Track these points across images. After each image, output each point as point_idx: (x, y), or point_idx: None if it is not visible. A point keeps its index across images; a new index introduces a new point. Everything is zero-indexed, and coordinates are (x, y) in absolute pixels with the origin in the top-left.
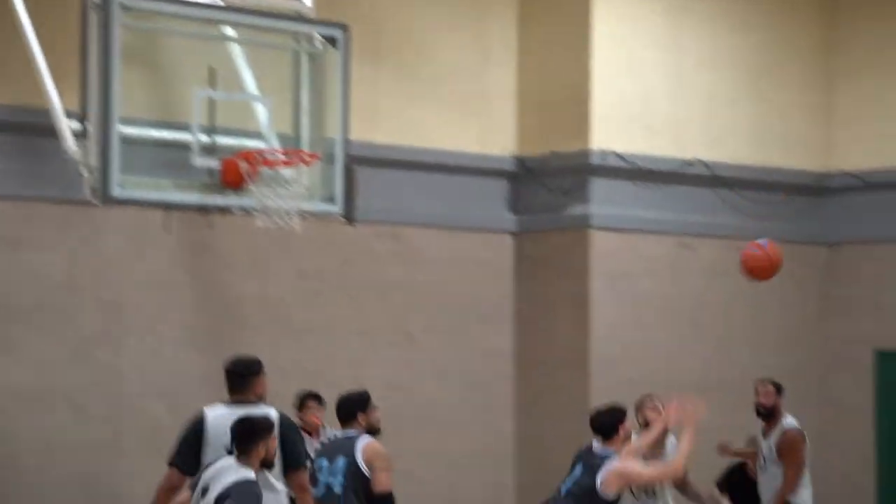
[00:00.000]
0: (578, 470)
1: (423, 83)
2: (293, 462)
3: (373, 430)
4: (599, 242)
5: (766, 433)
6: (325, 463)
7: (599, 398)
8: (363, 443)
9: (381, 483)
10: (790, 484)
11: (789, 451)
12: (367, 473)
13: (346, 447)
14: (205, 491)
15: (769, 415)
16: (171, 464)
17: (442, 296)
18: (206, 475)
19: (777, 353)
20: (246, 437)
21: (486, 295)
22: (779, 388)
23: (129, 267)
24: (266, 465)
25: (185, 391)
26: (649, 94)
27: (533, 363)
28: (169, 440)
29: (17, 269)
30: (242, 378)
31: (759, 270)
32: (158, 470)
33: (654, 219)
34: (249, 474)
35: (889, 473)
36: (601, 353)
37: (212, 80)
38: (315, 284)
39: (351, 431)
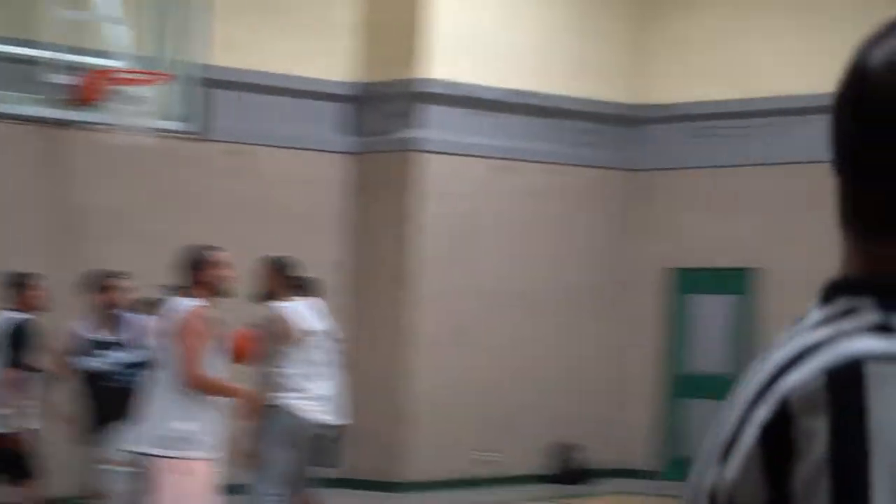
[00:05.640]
0: None
1: (274, 14)
2: None
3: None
4: (429, 165)
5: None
6: None
7: (419, 308)
8: None
9: None
10: None
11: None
12: None
13: None
14: None
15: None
16: None
17: (285, 210)
18: None
19: (579, 271)
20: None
21: (325, 210)
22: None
23: None
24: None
25: None
26: (481, 24)
27: (363, 275)
28: None
29: None
30: None
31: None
32: None
33: (480, 144)
34: None
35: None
36: (425, 268)
37: None
38: (169, 199)
39: None
